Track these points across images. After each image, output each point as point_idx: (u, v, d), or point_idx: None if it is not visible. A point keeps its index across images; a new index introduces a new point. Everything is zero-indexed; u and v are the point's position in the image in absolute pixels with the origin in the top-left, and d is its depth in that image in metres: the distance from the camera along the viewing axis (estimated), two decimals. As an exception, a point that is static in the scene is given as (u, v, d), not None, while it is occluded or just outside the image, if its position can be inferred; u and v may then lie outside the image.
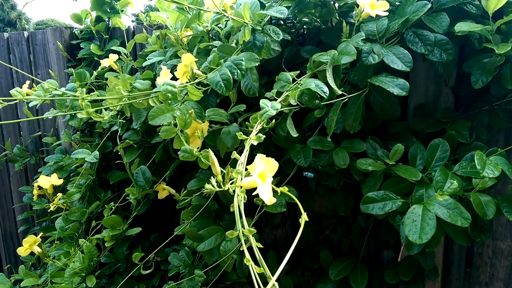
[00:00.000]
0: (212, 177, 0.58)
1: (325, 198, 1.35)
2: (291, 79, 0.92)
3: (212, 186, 0.57)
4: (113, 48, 1.73)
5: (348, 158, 1.02)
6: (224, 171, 0.57)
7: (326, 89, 0.85)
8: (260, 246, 0.54)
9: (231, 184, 0.59)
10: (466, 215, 0.82)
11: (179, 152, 0.80)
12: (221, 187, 0.57)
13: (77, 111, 0.76)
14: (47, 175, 1.71)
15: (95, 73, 1.51)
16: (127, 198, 1.32)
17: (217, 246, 1.13)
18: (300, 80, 0.91)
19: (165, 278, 1.53)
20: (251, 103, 1.12)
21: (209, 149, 0.64)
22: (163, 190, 1.40)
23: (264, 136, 0.71)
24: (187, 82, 0.90)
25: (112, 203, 1.36)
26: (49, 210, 1.54)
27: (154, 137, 1.36)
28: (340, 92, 0.89)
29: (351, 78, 1.03)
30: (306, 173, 1.21)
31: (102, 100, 0.92)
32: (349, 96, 0.94)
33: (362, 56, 0.92)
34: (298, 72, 0.94)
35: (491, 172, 0.82)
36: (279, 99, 0.86)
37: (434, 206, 0.84)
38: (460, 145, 1.08)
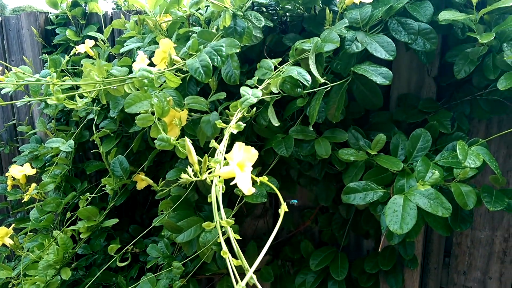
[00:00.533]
0: (189, 166, 0.55)
1: (306, 189, 1.34)
2: (273, 67, 0.89)
3: (189, 175, 0.54)
4: (90, 34, 1.67)
5: (330, 148, 1.01)
6: (202, 160, 0.54)
7: (308, 77, 0.83)
8: (239, 237, 0.52)
9: (209, 173, 0.57)
10: (447, 205, 0.82)
11: (155, 141, 0.77)
12: (198, 177, 0.54)
13: (47, 97, 0.72)
14: (21, 165, 1.65)
15: (66, 57, 1.45)
16: (104, 188, 1.28)
17: (196, 237, 1.11)
18: (282, 68, 0.88)
19: (144, 269, 1.50)
20: (232, 91, 1.09)
21: (185, 137, 0.61)
22: (142, 181, 1.36)
23: (244, 124, 0.69)
24: (165, 69, 0.86)
25: (88, 193, 1.32)
26: (23, 201, 1.49)
27: (132, 126, 1.32)
28: (322, 81, 0.87)
29: (334, 67, 1.01)
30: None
31: (78, 88, 0.88)
32: (331, 84, 0.92)
33: (346, 44, 0.90)
34: (280, 59, 0.92)
35: (472, 162, 0.82)
36: (261, 87, 0.83)
37: (415, 196, 0.83)
38: (442, 136, 1.08)
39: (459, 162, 0.86)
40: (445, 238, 1.32)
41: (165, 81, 0.93)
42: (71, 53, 1.51)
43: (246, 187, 0.51)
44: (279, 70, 0.88)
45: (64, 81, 0.73)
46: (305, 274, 1.29)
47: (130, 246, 1.53)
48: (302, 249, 1.39)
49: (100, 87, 0.82)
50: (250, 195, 1.02)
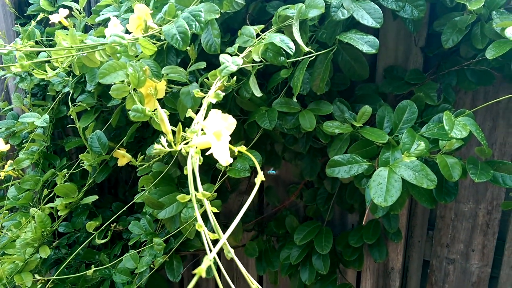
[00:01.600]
0: (162, 136, 0.52)
1: (291, 163, 1.32)
2: (254, 34, 0.85)
3: (162, 146, 0.51)
4: (65, 3, 1.59)
5: (315, 120, 0.98)
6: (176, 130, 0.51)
7: (292, 44, 0.79)
8: (216, 210, 0.49)
9: (185, 144, 0.53)
10: (432, 177, 0.80)
11: (129, 112, 0.73)
12: (172, 148, 0.51)
13: (11, 64, 0.67)
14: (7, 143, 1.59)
15: (36, 29, 1.37)
16: (82, 164, 1.24)
17: (178, 213, 1.08)
18: (264, 35, 0.84)
19: (128, 247, 1.48)
20: (214, 63, 1.04)
21: (158, 105, 0.57)
22: (123, 157, 1.32)
23: (223, 93, 0.65)
24: (142, 36, 0.81)
25: (65, 170, 1.27)
26: (1, 178, 1.44)
27: (110, 100, 1.27)
28: (307, 49, 0.83)
29: (319, 36, 0.97)
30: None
31: (48, 61, 0.82)
32: (316, 53, 0.88)
33: (331, 11, 0.86)
34: (263, 26, 0.88)
35: (459, 132, 0.80)
36: (241, 55, 0.79)
37: (400, 168, 0.82)
38: (428, 108, 1.06)
39: (445, 133, 0.84)
40: (429, 211, 1.32)
41: (142, 52, 0.88)
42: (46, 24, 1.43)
43: (223, 157, 0.48)
44: (261, 38, 0.84)
45: (30, 46, 0.68)
46: (290, 248, 1.29)
47: (112, 224, 1.50)
48: (287, 224, 1.38)
49: (69, 54, 0.77)
50: (232, 170, 0.99)
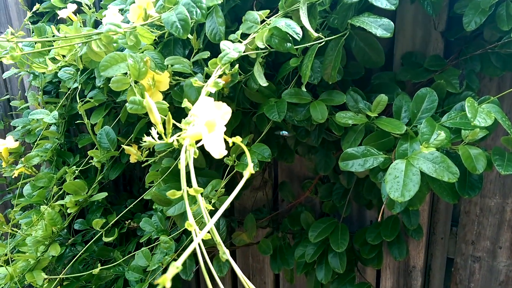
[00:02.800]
0: (153, 128, 0.48)
1: (305, 158, 1.27)
2: (259, 19, 0.80)
3: (152, 137, 0.47)
4: (76, -1, 1.57)
5: (327, 111, 0.93)
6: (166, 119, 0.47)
7: (298, 29, 0.74)
8: (211, 208, 0.45)
9: (178, 136, 0.49)
10: (454, 169, 0.74)
11: (127, 104, 0.69)
12: (162, 139, 0.47)
13: (4, 56, 0.65)
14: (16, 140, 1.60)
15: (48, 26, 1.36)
16: (91, 161, 1.22)
17: (188, 209, 1.05)
18: (269, 20, 0.79)
19: (142, 244, 1.47)
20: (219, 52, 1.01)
21: (147, 94, 0.53)
22: (134, 154, 1.30)
23: (223, 82, 0.61)
24: (141, 25, 0.78)
25: (75, 167, 1.26)
26: (13, 176, 1.44)
27: (119, 95, 1.24)
28: (316, 35, 0.78)
29: (331, 22, 0.91)
30: (282, 132, 1.12)
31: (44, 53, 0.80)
32: (326, 39, 0.83)
33: (342, -7, 0.81)
34: (268, 11, 0.83)
35: (483, 120, 0.73)
36: (245, 42, 0.75)
37: (418, 161, 0.76)
38: (449, 96, 0.99)
39: (468, 122, 0.78)
40: (453, 207, 1.25)
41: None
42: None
43: (215, 149, 0.43)
44: (266, 23, 0.79)
45: (21, 37, 0.66)
46: (305, 246, 1.24)
47: (127, 221, 1.49)
48: (302, 220, 1.33)
49: (61, 44, 0.74)
50: (241, 165, 0.95)
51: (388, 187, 0.74)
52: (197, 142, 0.49)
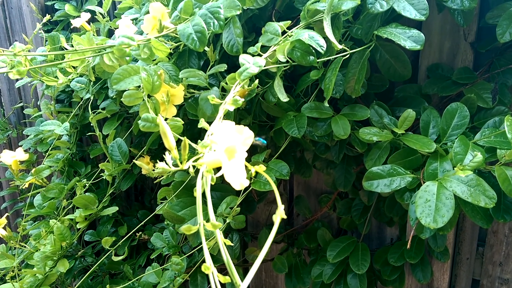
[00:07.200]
0: (167, 152, 0.44)
1: (323, 172, 1.21)
2: (280, 31, 0.75)
3: (167, 164, 0.43)
4: (89, 7, 1.55)
5: (349, 127, 0.87)
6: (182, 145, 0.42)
7: (322, 41, 0.69)
8: (230, 243, 0.40)
9: (194, 161, 0.45)
10: (491, 193, 0.68)
11: (139, 121, 0.65)
12: (178, 166, 0.42)
13: (9, 71, 0.61)
14: (26, 149, 1.58)
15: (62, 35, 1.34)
16: (102, 174, 1.18)
17: (201, 227, 1.00)
18: (290, 32, 0.74)
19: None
20: (238, 65, 0.96)
21: (161, 116, 0.49)
22: (147, 165, 1.26)
23: (242, 99, 0.56)
24: (155, 37, 0.74)
25: (85, 179, 1.22)
26: (22, 187, 1.42)
27: (132, 106, 1.21)
28: (340, 47, 0.73)
29: (354, 32, 0.86)
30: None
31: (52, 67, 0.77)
32: (350, 51, 0.78)
33: (368, 2, 0.76)
34: (289, 22, 0.78)
35: (523, 141, 0.67)
36: (265, 55, 0.70)
37: (452, 183, 0.70)
38: (480, 111, 0.93)
39: (505, 141, 0.72)
40: (479, 226, 1.18)
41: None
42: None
43: (236, 179, 0.39)
44: (287, 35, 0.74)
45: (28, 50, 0.62)
46: (322, 265, 1.18)
47: (138, 233, 1.45)
48: (319, 237, 1.27)
49: (72, 57, 0.70)
50: (257, 182, 0.90)
51: (418, 211, 0.69)
52: (215, 169, 0.44)
